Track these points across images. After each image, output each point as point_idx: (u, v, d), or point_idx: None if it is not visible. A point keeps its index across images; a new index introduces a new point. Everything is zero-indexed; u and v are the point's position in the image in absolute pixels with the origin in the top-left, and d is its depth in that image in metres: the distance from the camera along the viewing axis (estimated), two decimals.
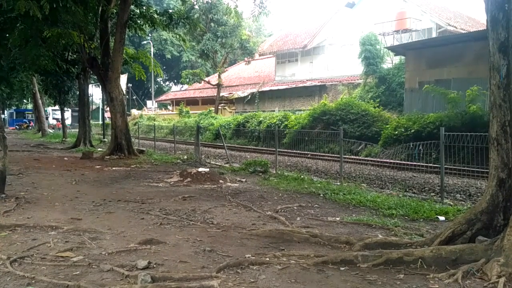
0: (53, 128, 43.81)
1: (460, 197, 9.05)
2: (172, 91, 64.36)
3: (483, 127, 10.98)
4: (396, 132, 16.09)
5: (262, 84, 40.70)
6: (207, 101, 46.37)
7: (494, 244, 4.06)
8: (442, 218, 6.62)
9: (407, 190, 9.69)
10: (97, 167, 13.33)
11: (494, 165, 4.48)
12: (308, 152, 16.36)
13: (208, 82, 42.38)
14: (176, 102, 51.85)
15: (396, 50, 24.13)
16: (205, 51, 37.27)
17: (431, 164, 11.39)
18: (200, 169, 11.02)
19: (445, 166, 8.88)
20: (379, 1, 31.82)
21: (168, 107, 59.03)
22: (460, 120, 14.35)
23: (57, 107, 49.01)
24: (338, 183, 10.15)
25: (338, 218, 6.62)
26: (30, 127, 52.01)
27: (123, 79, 28.14)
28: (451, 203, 8.12)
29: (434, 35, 28.25)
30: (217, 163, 14.96)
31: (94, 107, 48.30)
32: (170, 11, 20.07)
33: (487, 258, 3.96)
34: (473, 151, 9.69)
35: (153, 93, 56.53)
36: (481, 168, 9.15)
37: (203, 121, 31.47)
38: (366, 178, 11.25)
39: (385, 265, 4.21)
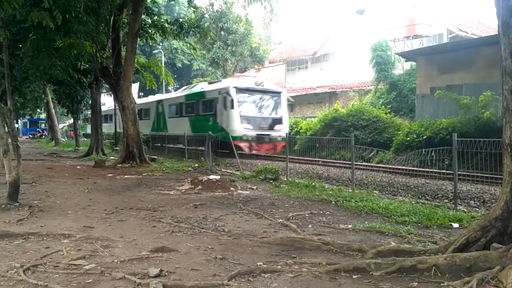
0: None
1: (474, 203, 8.94)
2: None
3: (496, 132, 10.86)
4: (408, 138, 15.98)
5: None
6: None
7: (509, 251, 3.99)
8: (456, 225, 6.54)
9: (420, 196, 9.60)
10: (109, 175, 13.42)
11: (508, 171, 4.42)
12: (319, 159, 16.30)
13: None
14: None
15: (407, 56, 24.05)
16: (216, 59, 37.54)
17: (444, 171, 11.27)
18: (211, 177, 11.04)
19: (458, 172, 8.78)
20: (389, 7, 31.77)
21: None
22: (473, 126, 14.21)
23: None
24: (350, 190, 10.09)
25: (350, 226, 6.58)
26: (44, 136, 52.63)
27: (135, 88, 28.53)
28: (465, 209, 8.03)
29: (445, 40, 28.11)
30: (228, 171, 14.97)
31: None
32: (181, 20, 20.26)
33: (502, 265, 3.90)
34: (487, 157, 9.58)
35: None
36: (495, 174, 9.03)
37: None
38: (378, 185, 11.17)
39: (398, 273, 4.16)
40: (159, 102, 27.86)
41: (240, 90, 19.42)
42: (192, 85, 28.62)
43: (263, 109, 20.46)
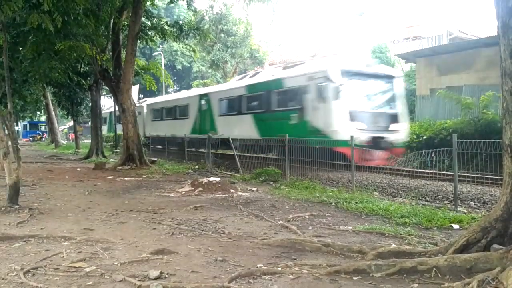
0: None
1: (474, 204, 8.93)
2: None
3: (497, 133, 10.85)
4: (408, 139, 15.97)
5: None
6: None
7: (509, 252, 3.99)
8: (456, 226, 6.54)
9: (420, 198, 9.59)
10: (109, 177, 13.42)
11: (508, 172, 4.42)
12: (320, 160, 16.21)
13: None
14: None
15: (406, 57, 24.08)
16: (215, 62, 37.63)
17: (444, 172, 11.26)
18: (211, 179, 11.04)
19: (459, 173, 8.77)
20: (388, 9, 31.82)
21: None
22: (473, 127, 14.21)
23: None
24: (350, 192, 10.08)
25: (350, 227, 6.57)
26: (44, 139, 52.60)
27: (135, 90, 28.38)
28: (465, 211, 8.02)
29: (445, 41, 28.16)
30: (228, 173, 14.96)
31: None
32: (181, 22, 20.33)
33: (503, 266, 3.89)
34: (487, 158, 9.57)
35: None
36: (495, 175, 9.03)
37: None
38: (378, 187, 11.16)
39: (399, 275, 4.16)
40: (203, 96, 22.28)
41: (347, 74, 14.06)
42: (252, 72, 22.73)
43: (376, 101, 14.93)
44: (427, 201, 9.36)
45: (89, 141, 27.18)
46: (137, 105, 29.80)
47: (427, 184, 10.95)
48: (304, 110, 14.90)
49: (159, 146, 24.84)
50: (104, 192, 10.34)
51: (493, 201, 8.77)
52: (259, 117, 17.40)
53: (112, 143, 29.09)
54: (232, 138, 15.76)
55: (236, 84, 20.71)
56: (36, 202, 8.61)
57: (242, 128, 17.86)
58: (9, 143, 8.62)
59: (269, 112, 16.82)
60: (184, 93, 27.55)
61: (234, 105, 19.35)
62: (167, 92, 42.50)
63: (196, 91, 25.47)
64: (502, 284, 3.72)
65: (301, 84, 15.11)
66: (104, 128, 34.45)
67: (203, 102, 21.99)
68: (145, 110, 29.77)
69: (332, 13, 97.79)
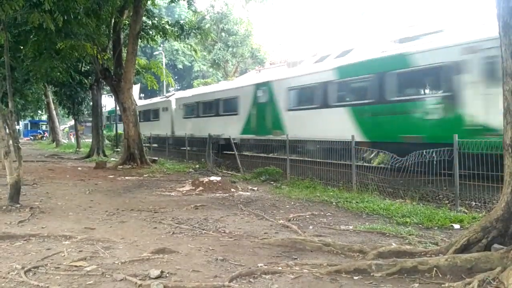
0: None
1: (475, 204, 8.92)
2: None
3: None
4: None
5: None
6: None
7: (510, 252, 3.98)
8: (457, 226, 6.54)
9: (421, 197, 9.58)
10: (110, 176, 13.43)
11: (509, 171, 4.41)
12: (320, 160, 16.19)
13: None
14: None
15: None
16: (216, 61, 37.65)
17: (445, 171, 11.21)
18: (212, 178, 11.04)
19: (459, 173, 8.75)
20: (390, 8, 31.70)
21: None
22: None
23: None
24: (351, 191, 10.08)
25: (351, 227, 6.57)
26: (45, 138, 52.67)
27: (136, 89, 28.24)
28: (466, 210, 8.01)
29: None
30: (228, 172, 14.97)
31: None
32: (182, 21, 20.32)
33: (503, 266, 3.89)
34: (488, 158, 9.53)
35: None
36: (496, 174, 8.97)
37: None
38: (379, 186, 11.15)
39: (399, 274, 4.16)
40: (260, 86, 17.85)
41: None
42: (338, 51, 16.50)
43: None
44: (428, 200, 9.36)
45: (90, 140, 27.18)
46: (164, 100, 27.67)
47: (428, 184, 10.94)
48: (456, 99, 10.67)
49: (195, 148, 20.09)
50: (105, 191, 10.35)
51: (494, 201, 8.76)
52: (362, 111, 13.05)
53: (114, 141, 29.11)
54: (308, 140, 12.64)
55: (316, 67, 15.74)
56: (37, 201, 8.63)
57: (330, 126, 13.74)
58: (10, 142, 8.63)
59: (383, 103, 12.44)
60: (231, 84, 23.09)
61: (315, 96, 14.90)
62: (167, 91, 42.48)
63: (248, 79, 20.75)
64: (503, 284, 3.72)
65: (451, 60, 10.71)
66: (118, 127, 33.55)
67: (260, 93, 17.59)
68: (173, 105, 25.53)
69: (333, 11, 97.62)
